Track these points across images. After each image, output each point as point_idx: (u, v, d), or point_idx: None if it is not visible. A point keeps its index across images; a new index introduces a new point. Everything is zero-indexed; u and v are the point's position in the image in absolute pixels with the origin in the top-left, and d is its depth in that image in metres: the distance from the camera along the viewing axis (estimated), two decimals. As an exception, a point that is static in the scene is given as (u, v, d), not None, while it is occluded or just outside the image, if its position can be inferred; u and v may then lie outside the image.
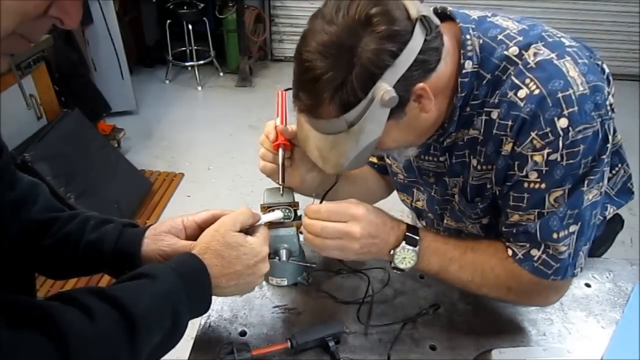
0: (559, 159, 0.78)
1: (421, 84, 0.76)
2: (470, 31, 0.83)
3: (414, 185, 1.12)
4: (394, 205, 1.27)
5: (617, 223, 1.15)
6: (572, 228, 0.84)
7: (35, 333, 0.56)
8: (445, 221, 1.08)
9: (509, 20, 0.87)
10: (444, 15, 0.86)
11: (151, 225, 0.89)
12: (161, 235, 0.86)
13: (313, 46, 0.73)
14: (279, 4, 4.59)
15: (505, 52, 0.81)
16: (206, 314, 1.00)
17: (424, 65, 0.76)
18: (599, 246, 1.16)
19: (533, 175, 0.81)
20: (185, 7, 4.14)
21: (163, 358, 0.74)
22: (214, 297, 0.79)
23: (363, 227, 0.84)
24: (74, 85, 3.19)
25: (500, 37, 0.83)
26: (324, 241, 0.86)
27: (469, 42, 0.82)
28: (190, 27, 4.16)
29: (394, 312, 1.01)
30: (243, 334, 0.97)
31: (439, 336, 0.97)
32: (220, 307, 1.02)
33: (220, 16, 4.26)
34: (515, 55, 0.81)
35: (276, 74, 4.64)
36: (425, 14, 0.74)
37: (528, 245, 0.87)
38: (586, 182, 0.81)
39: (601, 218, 1.03)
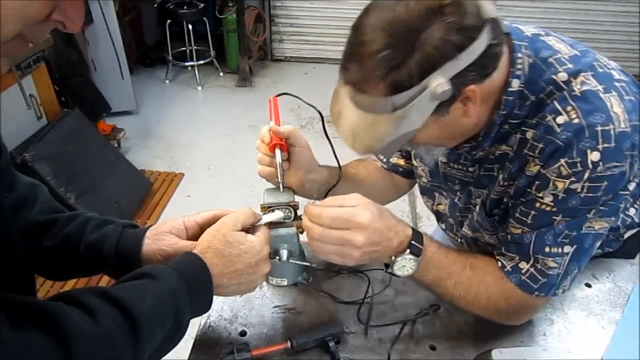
0: (579, 190, 0.78)
1: (473, 86, 0.74)
2: (523, 49, 0.81)
3: (437, 189, 1.11)
4: (395, 204, 1.27)
5: (639, 239, 1.13)
6: (567, 249, 0.84)
7: (39, 333, 0.56)
8: (463, 228, 1.08)
9: (562, 42, 0.85)
10: None
11: (152, 225, 0.89)
12: (162, 235, 0.86)
13: (378, 20, 0.71)
14: (279, 4, 4.59)
15: (554, 77, 0.80)
16: (206, 314, 1.00)
17: (482, 68, 0.74)
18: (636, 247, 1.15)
19: (548, 198, 0.81)
20: (185, 7, 4.13)
21: (163, 358, 0.74)
22: (214, 297, 0.79)
23: (367, 236, 0.81)
24: (74, 85, 3.20)
25: (550, 59, 0.82)
26: (323, 246, 0.83)
27: (519, 61, 0.81)
28: (190, 27, 4.16)
29: (394, 312, 1.02)
30: (243, 334, 0.97)
31: (439, 336, 0.97)
32: (220, 307, 1.02)
33: (220, 16, 4.26)
34: (563, 81, 0.80)
35: (276, 74, 4.64)
36: (496, 16, 0.73)
37: (517, 257, 0.87)
38: (593, 211, 0.81)
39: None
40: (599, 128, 0.76)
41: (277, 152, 0.96)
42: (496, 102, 0.82)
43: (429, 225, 1.21)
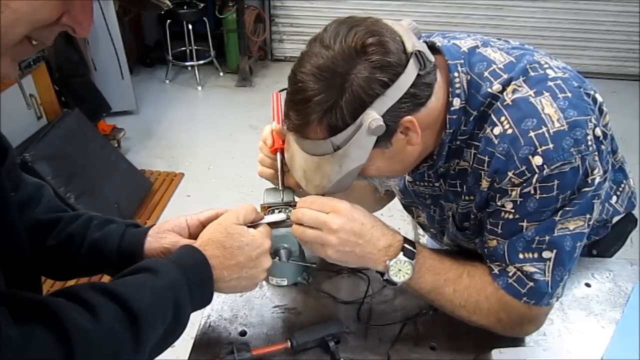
0: (532, 192, 0.79)
1: (409, 117, 0.77)
2: (459, 67, 0.83)
3: (412, 205, 1.13)
4: (395, 204, 1.27)
5: (629, 222, 1.14)
6: (547, 254, 0.83)
7: (41, 329, 0.56)
8: (445, 237, 1.10)
9: (498, 51, 0.86)
10: (432, 49, 0.85)
11: (154, 224, 0.89)
12: (164, 233, 0.87)
13: (308, 68, 0.75)
14: (279, 4, 4.59)
15: (489, 90, 0.82)
16: (206, 314, 1.00)
17: (414, 99, 0.77)
18: (611, 245, 1.15)
19: (508, 206, 0.83)
20: (185, 7, 4.13)
21: (162, 357, 0.74)
22: (214, 296, 0.79)
23: (343, 222, 0.82)
24: (74, 85, 3.20)
25: (486, 73, 0.83)
26: (304, 230, 0.85)
27: (457, 80, 0.82)
28: (190, 27, 4.16)
29: (394, 312, 1.02)
30: (243, 334, 0.97)
31: (439, 336, 0.97)
32: (220, 307, 1.02)
33: (220, 16, 4.26)
34: (498, 92, 0.82)
35: (276, 74, 4.64)
36: (420, 49, 0.76)
37: (503, 264, 0.87)
38: (560, 212, 0.81)
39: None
40: (532, 133, 0.77)
41: (279, 156, 0.96)
42: (443, 122, 0.84)
43: (429, 225, 1.23)
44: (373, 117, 0.74)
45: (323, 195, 0.92)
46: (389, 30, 0.76)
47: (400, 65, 0.74)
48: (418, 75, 0.76)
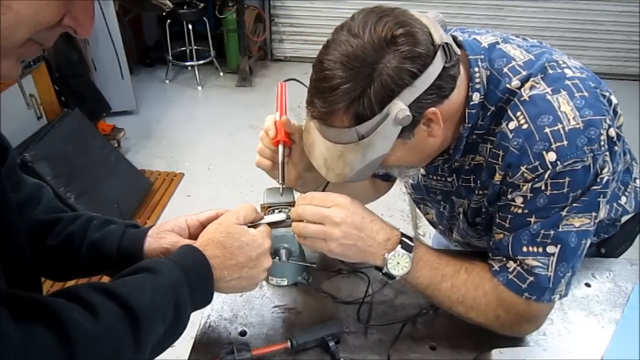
0: (542, 187, 0.80)
1: (433, 109, 0.78)
2: (479, 62, 0.84)
3: (421, 202, 1.13)
4: (395, 204, 1.27)
5: (638, 222, 1.15)
6: (551, 249, 0.83)
7: (41, 329, 0.56)
8: (453, 234, 1.10)
9: (518, 48, 0.87)
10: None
11: (153, 225, 0.89)
12: (164, 233, 0.87)
13: (336, 56, 0.75)
14: (279, 4, 4.59)
15: (508, 85, 0.83)
16: (206, 314, 1.00)
17: (439, 91, 0.78)
18: (619, 244, 1.16)
19: (519, 200, 0.83)
20: (185, 7, 4.13)
21: (162, 357, 0.74)
22: (214, 296, 0.79)
23: (346, 215, 0.83)
24: (74, 85, 3.20)
25: (505, 69, 0.84)
26: (306, 225, 0.85)
27: (477, 75, 0.83)
28: (190, 27, 4.16)
29: (394, 312, 1.02)
30: (243, 333, 0.97)
31: (439, 336, 0.97)
32: (220, 307, 1.02)
33: (220, 16, 4.27)
34: (516, 88, 0.83)
35: (276, 73, 4.64)
36: (447, 41, 0.76)
37: (505, 259, 0.88)
38: (567, 208, 0.81)
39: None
40: (547, 130, 0.78)
41: (281, 148, 0.95)
42: (461, 116, 0.85)
43: (429, 225, 1.22)
44: (400, 107, 0.74)
45: (324, 189, 0.92)
46: (417, 21, 0.77)
47: (428, 57, 0.75)
48: (444, 67, 0.77)
